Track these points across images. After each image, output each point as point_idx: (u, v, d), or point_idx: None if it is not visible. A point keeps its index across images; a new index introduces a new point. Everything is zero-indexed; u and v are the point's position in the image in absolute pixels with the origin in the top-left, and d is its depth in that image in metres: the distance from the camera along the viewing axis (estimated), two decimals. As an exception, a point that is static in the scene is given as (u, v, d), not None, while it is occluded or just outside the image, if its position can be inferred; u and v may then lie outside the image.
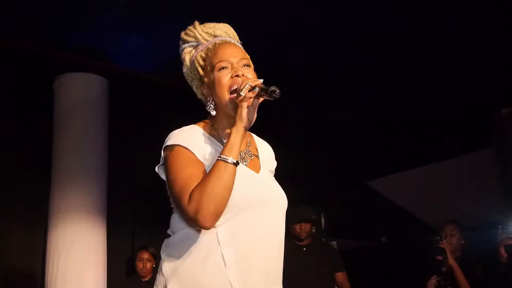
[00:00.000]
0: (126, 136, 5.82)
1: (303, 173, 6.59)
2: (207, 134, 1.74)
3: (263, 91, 1.60)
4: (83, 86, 5.41)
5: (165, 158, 1.68)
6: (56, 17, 4.83)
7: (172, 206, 1.74)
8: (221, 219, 1.60)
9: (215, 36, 1.81)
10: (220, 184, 1.55)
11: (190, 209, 1.54)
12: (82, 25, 4.98)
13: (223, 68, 1.73)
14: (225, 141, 1.72)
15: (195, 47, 1.82)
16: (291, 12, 4.75)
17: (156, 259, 4.94)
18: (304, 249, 4.65)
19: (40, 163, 5.38)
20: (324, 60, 5.53)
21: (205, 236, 1.63)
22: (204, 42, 1.80)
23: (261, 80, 1.65)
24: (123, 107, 5.78)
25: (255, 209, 1.65)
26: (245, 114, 1.62)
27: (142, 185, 5.54)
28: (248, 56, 1.79)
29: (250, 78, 1.68)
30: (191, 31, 1.83)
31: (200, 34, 1.81)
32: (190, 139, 1.68)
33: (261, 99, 1.64)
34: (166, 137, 1.70)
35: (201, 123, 1.79)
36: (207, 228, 1.58)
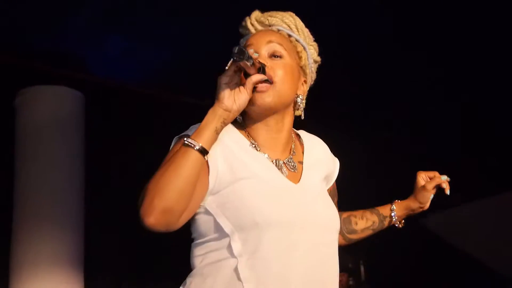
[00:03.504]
0: (109, 165, 5.80)
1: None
2: (236, 132, 1.77)
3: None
4: (53, 102, 5.42)
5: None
6: (16, 17, 4.86)
7: (192, 236, 1.75)
8: (239, 245, 1.62)
9: (270, 26, 1.84)
10: (173, 172, 1.56)
11: (139, 201, 1.58)
12: (49, 26, 4.99)
13: None
14: (256, 143, 1.76)
15: None
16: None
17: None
18: (339, 308, 4.60)
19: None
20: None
21: (223, 272, 1.64)
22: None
23: (256, 54, 1.69)
24: (104, 128, 5.76)
25: (286, 231, 1.64)
26: (222, 92, 1.65)
27: (129, 228, 5.51)
28: (291, 46, 1.81)
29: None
30: (245, 21, 1.87)
31: (252, 25, 1.85)
32: None
33: (254, 79, 1.67)
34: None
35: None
36: (153, 228, 1.57)
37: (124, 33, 5.13)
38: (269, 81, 1.72)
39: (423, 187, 2.08)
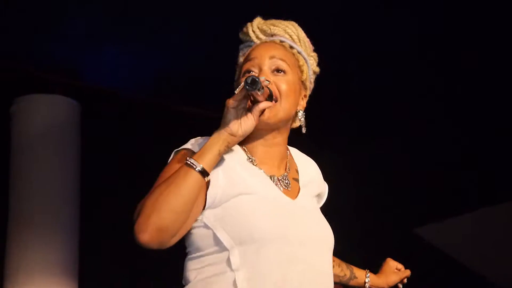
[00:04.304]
0: (104, 173, 5.80)
1: (329, 215, 6.47)
2: (238, 147, 1.75)
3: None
4: (48, 110, 5.44)
5: None
6: (12, 25, 4.86)
7: (187, 250, 1.74)
8: (238, 260, 1.63)
9: (272, 36, 1.83)
10: (172, 191, 1.57)
11: (134, 215, 1.59)
12: (47, 34, 5.01)
13: (247, 71, 1.77)
14: (253, 158, 1.77)
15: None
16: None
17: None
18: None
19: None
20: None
21: (220, 285, 1.64)
22: (257, 42, 1.83)
23: (263, 78, 1.67)
24: (100, 136, 5.77)
25: (284, 246, 1.66)
26: (229, 116, 1.63)
27: (124, 236, 5.51)
28: (293, 60, 1.80)
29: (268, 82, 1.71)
30: (246, 27, 1.86)
31: (254, 32, 1.83)
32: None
33: (261, 106, 1.66)
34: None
35: None
36: (146, 245, 1.58)
37: (120, 41, 5.12)
38: (273, 99, 1.73)
39: (396, 274, 2.28)
